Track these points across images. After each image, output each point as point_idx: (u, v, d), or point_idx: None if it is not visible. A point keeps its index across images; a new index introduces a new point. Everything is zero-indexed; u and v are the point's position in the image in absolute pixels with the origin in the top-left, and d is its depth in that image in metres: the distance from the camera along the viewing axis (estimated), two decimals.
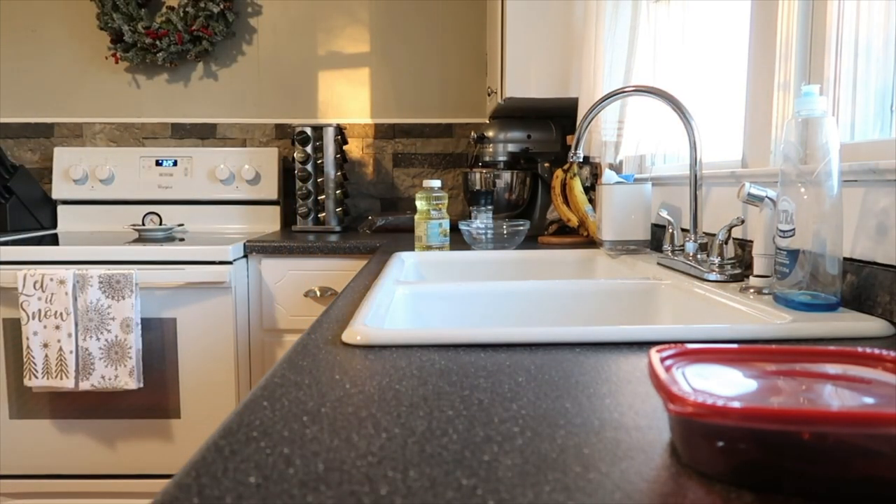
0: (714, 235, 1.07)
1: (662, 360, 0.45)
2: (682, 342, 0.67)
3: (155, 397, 1.85)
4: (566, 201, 1.85)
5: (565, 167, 1.86)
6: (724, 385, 0.43)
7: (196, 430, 1.86)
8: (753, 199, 0.94)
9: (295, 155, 2.20)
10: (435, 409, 0.50)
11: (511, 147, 2.13)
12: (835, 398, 0.42)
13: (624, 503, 0.35)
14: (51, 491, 1.87)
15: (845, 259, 0.84)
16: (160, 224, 2.36)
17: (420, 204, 1.59)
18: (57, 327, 1.75)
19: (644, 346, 0.69)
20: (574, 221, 1.82)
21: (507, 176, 2.09)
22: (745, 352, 0.49)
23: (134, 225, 2.26)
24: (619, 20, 1.60)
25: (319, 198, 2.23)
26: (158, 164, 2.39)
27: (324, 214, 2.24)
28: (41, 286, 1.75)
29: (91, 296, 1.76)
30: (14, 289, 1.77)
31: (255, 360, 1.98)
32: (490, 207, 1.85)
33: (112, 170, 2.37)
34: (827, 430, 0.35)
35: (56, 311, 1.75)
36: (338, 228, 2.24)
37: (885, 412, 0.34)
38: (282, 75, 2.48)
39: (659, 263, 1.25)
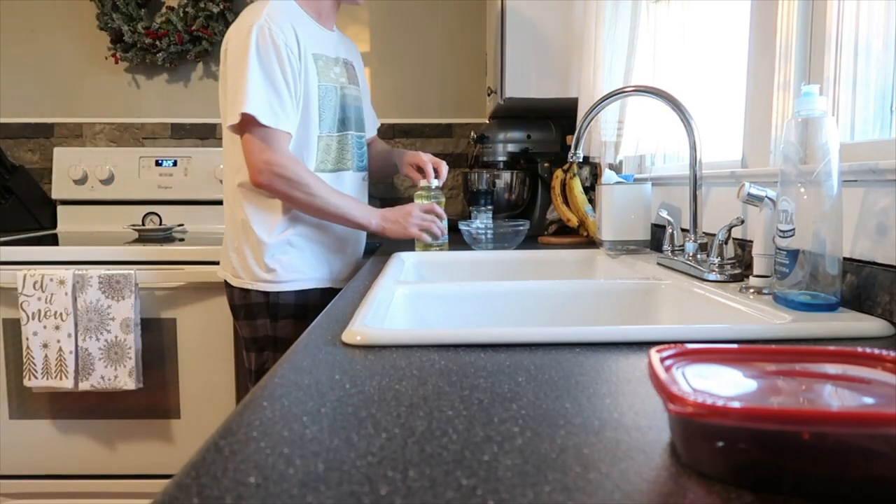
0: (714, 235, 1.07)
1: (662, 360, 0.45)
2: (682, 342, 0.67)
3: (155, 397, 1.85)
4: (566, 201, 1.85)
5: (565, 167, 1.86)
6: (724, 385, 0.43)
7: (196, 430, 1.86)
8: (753, 199, 0.94)
9: None
10: (435, 409, 0.50)
11: (511, 147, 2.13)
12: (835, 398, 0.42)
13: (624, 503, 0.35)
14: (51, 491, 1.87)
15: (845, 259, 0.84)
16: (160, 224, 2.36)
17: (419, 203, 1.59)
18: (57, 327, 1.75)
19: (644, 346, 0.69)
20: (574, 221, 1.82)
21: (507, 176, 2.09)
22: (745, 352, 0.49)
23: (133, 225, 2.26)
24: (618, 20, 1.60)
25: None
26: (158, 164, 2.39)
27: None
28: (41, 286, 1.75)
29: (91, 296, 1.76)
30: (14, 289, 1.77)
31: None
32: (490, 207, 1.85)
33: (112, 170, 2.37)
34: (827, 430, 0.35)
35: (56, 312, 1.75)
36: None
37: (885, 412, 0.34)
38: None
39: (659, 263, 1.25)
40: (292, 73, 1.40)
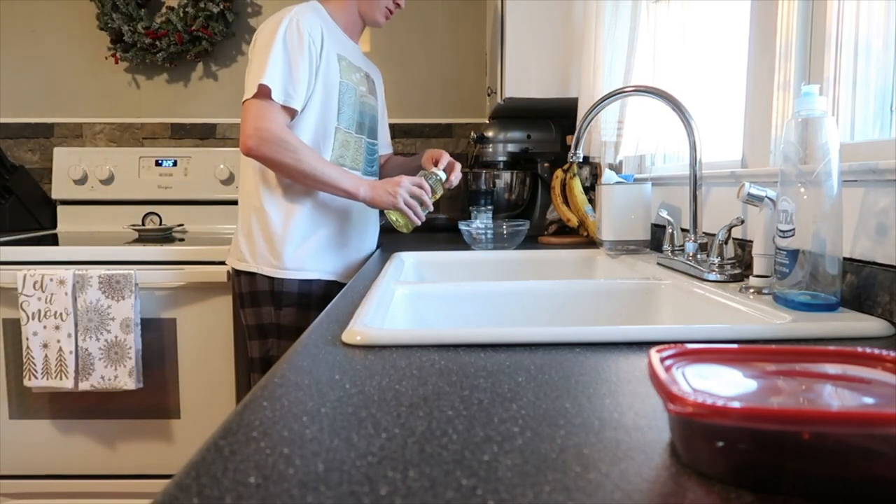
0: (714, 235, 1.07)
1: (662, 360, 0.45)
2: (682, 342, 0.67)
3: (155, 397, 1.85)
4: (566, 201, 1.85)
5: (565, 167, 1.86)
6: (724, 385, 0.43)
7: (196, 430, 1.86)
8: (753, 199, 0.94)
9: None
10: (435, 409, 0.50)
11: (511, 147, 2.13)
12: (835, 398, 0.42)
13: (624, 503, 0.35)
14: (51, 491, 1.87)
15: (845, 259, 0.84)
16: (160, 224, 2.37)
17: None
18: (57, 327, 1.75)
19: (644, 346, 0.69)
20: (574, 221, 1.82)
21: (507, 176, 2.09)
22: (745, 352, 0.49)
23: (134, 225, 2.26)
24: (618, 20, 1.60)
25: None
26: (158, 164, 2.39)
27: None
28: (41, 286, 1.75)
29: (91, 296, 1.76)
30: (14, 289, 1.77)
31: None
32: (490, 207, 1.85)
33: (112, 170, 2.37)
34: (827, 430, 0.35)
35: (56, 312, 1.75)
36: None
37: (885, 412, 0.34)
38: None
39: (659, 263, 1.25)
40: (310, 60, 1.46)
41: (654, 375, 0.42)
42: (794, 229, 0.80)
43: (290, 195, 1.51)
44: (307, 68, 1.46)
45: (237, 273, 1.57)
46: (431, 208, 1.56)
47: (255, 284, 1.53)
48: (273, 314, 1.53)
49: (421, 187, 1.53)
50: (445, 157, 1.64)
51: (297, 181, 1.49)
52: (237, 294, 1.59)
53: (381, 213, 1.68)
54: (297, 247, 1.52)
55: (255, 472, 0.39)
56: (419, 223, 1.55)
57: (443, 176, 1.59)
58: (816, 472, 0.36)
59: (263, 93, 1.41)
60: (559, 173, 1.88)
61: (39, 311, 1.75)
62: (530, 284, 1.09)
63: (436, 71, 2.51)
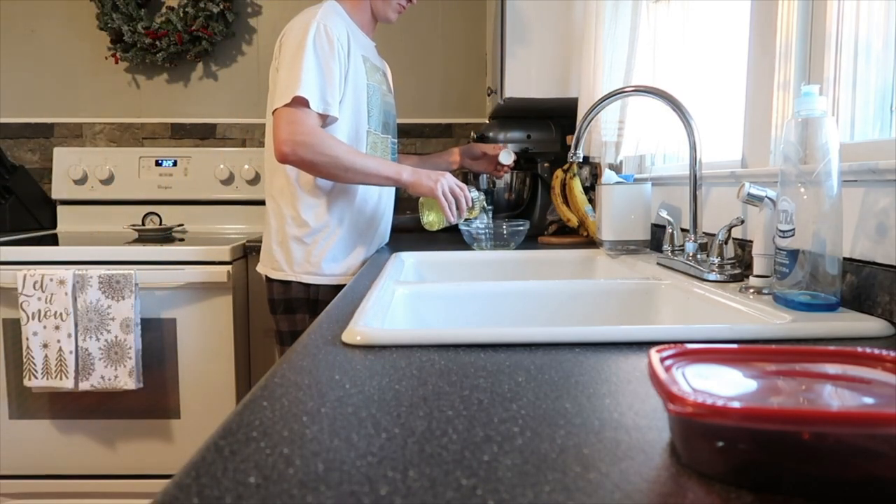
0: (714, 235, 1.07)
1: (662, 360, 0.45)
2: (682, 342, 0.67)
3: (155, 397, 1.85)
4: (566, 201, 1.85)
5: (565, 167, 1.86)
6: (724, 385, 0.43)
7: (196, 430, 1.86)
8: (753, 199, 0.94)
9: None
10: (435, 409, 0.50)
11: (511, 147, 2.13)
12: (835, 398, 0.42)
13: (624, 503, 0.35)
14: (51, 491, 1.87)
15: (845, 259, 0.84)
16: (160, 224, 2.36)
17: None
18: (57, 327, 1.75)
19: (644, 346, 0.69)
20: (574, 221, 1.82)
21: (506, 176, 2.08)
22: (745, 352, 0.49)
23: (133, 225, 2.26)
24: (619, 20, 1.60)
25: None
26: (158, 164, 2.39)
27: None
28: (41, 286, 1.75)
29: (91, 296, 1.76)
30: (14, 289, 1.77)
31: (254, 360, 1.98)
32: (490, 207, 1.84)
33: (112, 170, 2.37)
34: (827, 430, 0.35)
35: (56, 312, 1.75)
36: None
37: (885, 412, 0.34)
38: None
39: (659, 263, 1.25)
40: (339, 66, 1.46)
41: (654, 375, 0.42)
42: (794, 229, 0.80)
43: (328, 203, 1.52)
44: (339, 74, 1.45)
45: (269, 280, 1.57)
46: (463, 217, 1.55)
47: (289, 291, 1.54)
48: (308, 321, 1.53)
49: (463, 192, 1.52)
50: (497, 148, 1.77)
51: (337, 179, 1.47)
52: (270, 300, 1.58)
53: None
54: (337, 254, 1.53)
55: (255, 472, 0.39)
56: (452, 221, 1.53)
57: (483, 198, 1.60)
58: (816, 472, 0.36)
59: (299, 102, 1.39)
60: (559, 173, 1.87)
61: (39, 311, 1.75)
62: (530, 284, 1.09)
63: (436, 71, 2.51)
